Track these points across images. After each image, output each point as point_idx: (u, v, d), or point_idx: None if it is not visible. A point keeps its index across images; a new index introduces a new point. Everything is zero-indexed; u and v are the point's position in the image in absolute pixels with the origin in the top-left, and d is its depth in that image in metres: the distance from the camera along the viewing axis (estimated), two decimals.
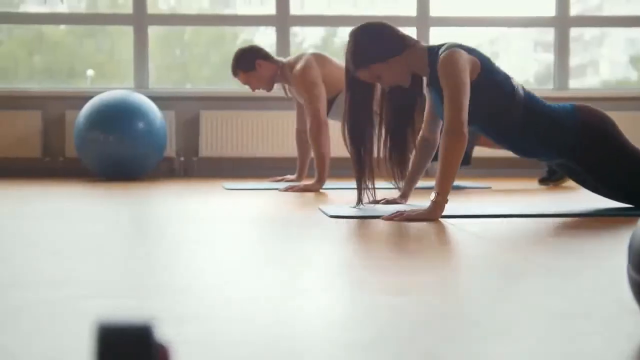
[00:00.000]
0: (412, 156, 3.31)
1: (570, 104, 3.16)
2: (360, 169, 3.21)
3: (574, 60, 7.19)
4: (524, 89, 3.13)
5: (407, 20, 6.47)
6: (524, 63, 7.91)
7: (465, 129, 2.89)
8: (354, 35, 3.15)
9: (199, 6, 7.25)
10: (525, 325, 1.31)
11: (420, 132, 3.30)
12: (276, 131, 6.20)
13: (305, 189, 4.47)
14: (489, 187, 4.87)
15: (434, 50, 3.09)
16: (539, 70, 7.35)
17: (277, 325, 1.31)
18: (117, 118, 5.45)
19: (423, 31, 6.39)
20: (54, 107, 6.12)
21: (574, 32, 6.63)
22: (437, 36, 6.51)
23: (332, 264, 2.00)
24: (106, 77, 7.09)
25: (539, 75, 7.25)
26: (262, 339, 1.21)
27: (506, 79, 3.09)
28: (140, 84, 6.27)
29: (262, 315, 1.38)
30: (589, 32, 7.87)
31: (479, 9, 6.77)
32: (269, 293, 1.59)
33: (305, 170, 5.12)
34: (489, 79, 3.03)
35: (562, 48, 6.48)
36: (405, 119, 3.24)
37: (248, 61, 4.78)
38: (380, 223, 2.79)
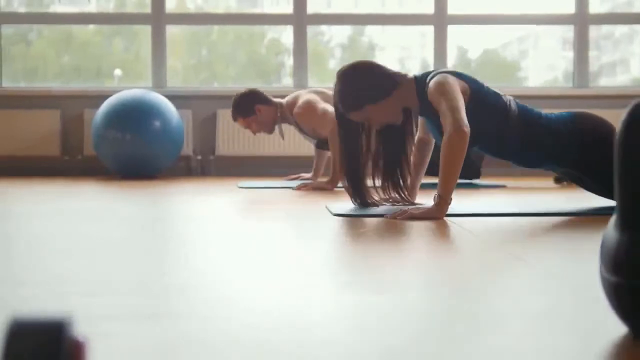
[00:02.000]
0: (407, 181, 3.29)
1: (568, 113, 3.14)
2: (359, 192, 3.20)
3: (604, 58, 7.11)
4: (517, 103, 3.11)
5: (424, 19, 6.45)
6: (553, 61, 7.87)
7: (466, 127, 2.87)
8: (342, 77, 3.11)
9: (226, 5, 7.28)
10: (503, 322, 1.31)
11: (417, 135, 3.30)
12: (293, 130, 6.20)
13: (318, 187, 4.47)
14: (504, 186, 4.84)
15: (421, 80, 3.08)
16: (567, 67, 7.28)
17: (264, 323, 1.31)
18: (133, 117, 5.49)
19: (440, 29, 6.36)
20: (72, 106, 6.18)
21: (604, 29, 6.57)
22: (455, 34, 6.49)
23: (325, 262, 2.00)
24: (133, 76, 7.15)
25: (568, 73, 7.18)
26: (248, 336, 1.22)
27: (497, 97, 3.07)
28: (158, 83, 6.30)
29: (250, 314, 1.39)
30: (619, 30, 7.79)
31: (497, 7, 6.73)
32: (257, 293, 1.60)
33: (321, 170, 5.11)
34: (480, 101, 3.02)
35: (581, 45, 6.43)
36: (399, 153, 3.23)
37: (247, 107, 4.80)
38: (384, 221, 2.78)
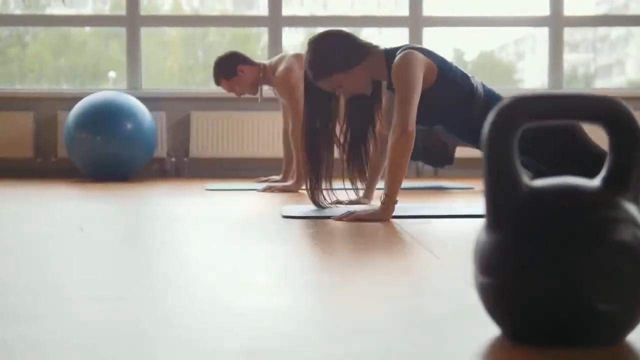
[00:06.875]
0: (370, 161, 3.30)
1: None
2: (315, 173, 3.18)
3: (600, 60, 7.10)
4: (484, 86, 3.14)
5: (399, 21, 6.46)
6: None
7: (412, 128, 2.88)
8: (313, 45, 3.14)
9: (222, 7, 7.29)
10: (372, 321, 1.31)
11: (378, 128, 3.30)
12: (266, 132, 6.21)
13: (283, 190, 4.48)
14: (472, 188, 4.84)
15: (391, 53, 3.09)
16: (566, 70, 7.29)
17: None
18: (104, 119, 5.48)
19: (415, 31, 6.37)
20: (45, 108, 6.17)
21: (600, 31, 6.57)
22: (430, 36, 6.50)
23: (242, 265, 2.01)
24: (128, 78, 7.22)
25: (566, 75, 7.19)
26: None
27: (464, 78, 3.09)
28: (133, 85, 6.31)
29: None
30: (615, 32, 7.80)
31: (473, 9, 6.74)
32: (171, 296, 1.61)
33: (291, 171, 5.11)
34: (447, 80, 3.03)
35: (556, 48, 6.44)
36: (366, 126, 3.24)
37: (229, 68, 4.77)
38: (331, 223, 2.79)
